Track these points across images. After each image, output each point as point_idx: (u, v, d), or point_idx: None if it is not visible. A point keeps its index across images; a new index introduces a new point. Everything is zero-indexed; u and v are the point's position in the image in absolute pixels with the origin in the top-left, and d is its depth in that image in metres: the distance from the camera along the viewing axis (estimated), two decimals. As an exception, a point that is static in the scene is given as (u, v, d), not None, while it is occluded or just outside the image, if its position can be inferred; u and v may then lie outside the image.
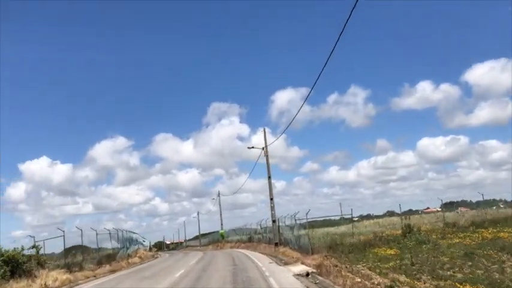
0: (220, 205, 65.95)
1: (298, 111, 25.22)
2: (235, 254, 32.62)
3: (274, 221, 29.64)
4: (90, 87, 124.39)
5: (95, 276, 21.93)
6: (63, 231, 21.16)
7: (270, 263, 20.41)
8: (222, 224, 65.03)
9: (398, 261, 15.13)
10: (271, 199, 29.91)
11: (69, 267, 20.67)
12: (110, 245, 30.84)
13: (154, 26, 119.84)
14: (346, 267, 15.44)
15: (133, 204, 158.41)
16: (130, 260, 33.09)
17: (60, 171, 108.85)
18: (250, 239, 46.17)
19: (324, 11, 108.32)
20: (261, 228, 39.83)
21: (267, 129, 31.13)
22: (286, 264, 18.88)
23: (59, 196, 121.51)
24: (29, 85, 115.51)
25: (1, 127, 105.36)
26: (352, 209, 24.35)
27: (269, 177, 30.29)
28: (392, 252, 18.30)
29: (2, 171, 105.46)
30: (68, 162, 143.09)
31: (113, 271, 24.82)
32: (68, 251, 23.27)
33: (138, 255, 40.79)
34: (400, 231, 23.20)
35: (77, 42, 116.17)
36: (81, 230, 23.14)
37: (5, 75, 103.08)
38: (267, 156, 30.47)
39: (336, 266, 15.79)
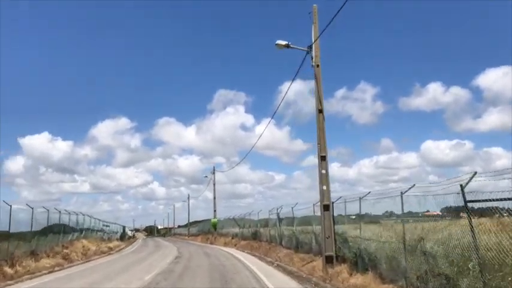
0: (214, 186, 49.08)
1: None
2: (232, 267, 16.15)
3: (326, 207, 13.05)
4: (96, 67, 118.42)
5: None
6: None
7: None
8: (215, 211, 48.12)
9: None
10: (323, 157, 13.23)
11: None
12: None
13: (163, 10, 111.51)
14: None
15: (131, 186, 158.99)
16: (39, 263, 16.91)
17: (61, 147, 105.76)
18: (256, 235, 29.75)
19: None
20: (279, 219, 23.22)
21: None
22: None
23: (58, 173, 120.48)
24: (35, 62, 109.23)
25: (4, 99, 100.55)
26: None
27: (320, 111, 13.64)
28: None
29: (1, 144, 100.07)
30: (69, 139, 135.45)
31: None
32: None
33: (72, 250, 24.33)
34: None
35: (88, 24, 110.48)
36: None
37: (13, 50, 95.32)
38: (317, 65, 13.79)
39: None
